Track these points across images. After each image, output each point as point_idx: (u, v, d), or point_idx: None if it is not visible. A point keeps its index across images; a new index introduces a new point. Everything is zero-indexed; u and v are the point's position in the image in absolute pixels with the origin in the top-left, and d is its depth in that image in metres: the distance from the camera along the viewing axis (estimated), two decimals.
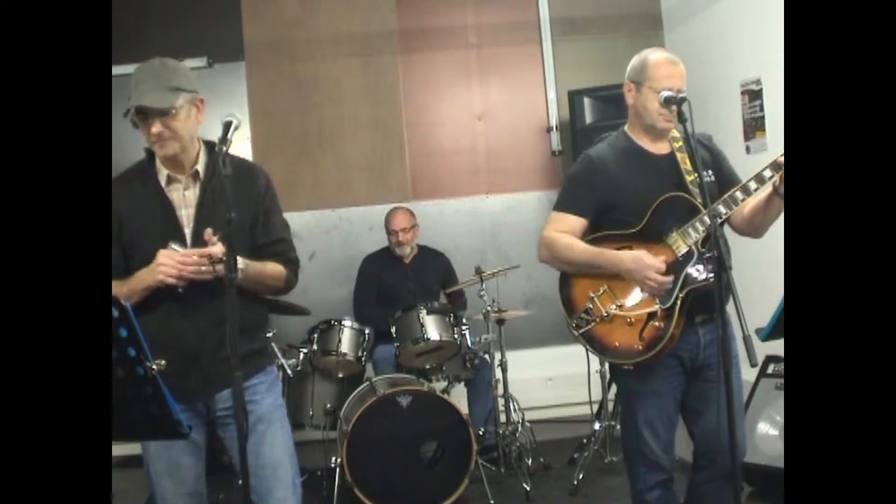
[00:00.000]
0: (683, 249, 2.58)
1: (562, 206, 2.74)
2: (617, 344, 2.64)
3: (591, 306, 2.68)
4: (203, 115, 2.44)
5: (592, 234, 2.70)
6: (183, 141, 2.36)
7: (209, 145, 2.47)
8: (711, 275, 2.51)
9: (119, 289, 2.32)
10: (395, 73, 5.82)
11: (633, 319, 2.62)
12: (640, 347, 2.60)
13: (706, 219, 2.51)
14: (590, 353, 2.81)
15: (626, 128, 2.77)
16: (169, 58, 2.40)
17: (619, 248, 2.63)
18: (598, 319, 2.66)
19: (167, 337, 2.32)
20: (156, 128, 2.30)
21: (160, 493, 2.45)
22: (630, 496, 2.80)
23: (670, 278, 2.55)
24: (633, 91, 2.67)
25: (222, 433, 2.49)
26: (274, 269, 2.49)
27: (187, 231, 2.39)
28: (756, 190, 2.54)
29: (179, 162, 2.41)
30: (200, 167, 2.43)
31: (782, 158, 2.44)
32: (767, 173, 2.50)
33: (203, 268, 2.28)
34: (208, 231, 2.29)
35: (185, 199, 2.42)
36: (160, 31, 5.43)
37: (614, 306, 2.65)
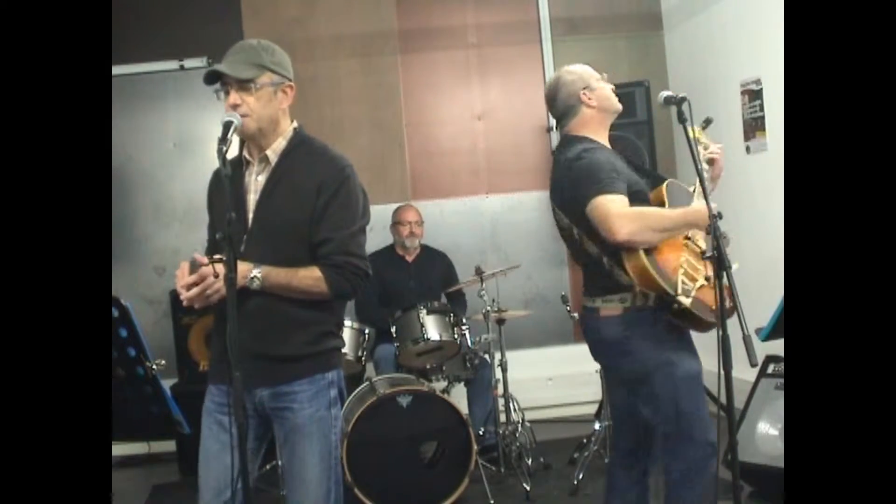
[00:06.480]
0: (702, 244, 2.65)
1: (608, 187, 2.59)
2: (713, 307, 2.48)
3: (684, 277, 2.55)
4: (290, 102, 2.41)
5: None
6: (261, 121, 2.32)
7: (299, 134, 2.43)
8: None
9: None
10: (395, 73, 5.81)
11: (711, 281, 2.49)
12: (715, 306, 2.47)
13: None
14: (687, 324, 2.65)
15: (588, 135, 2.79)
16: (272, 43, 2.39)
17: None
18: (704, 282, 2.55)
19: (219, 328, 2.30)
20: (231, 98, 2.29)
21: (199, 483, 2.37)
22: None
23: None
24: (589, 93, 2.84)
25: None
26: (307, 276, 2.29)
27: (250, 217, 2.34)
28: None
29: (257, 144, 2.38)
30: (271, 152, 2.38)
31: None
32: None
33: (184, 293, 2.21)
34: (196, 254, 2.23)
35: (255, 184, 2.37)
36: (160, 31, 5.43)
37: (703, 269, 2.58)
